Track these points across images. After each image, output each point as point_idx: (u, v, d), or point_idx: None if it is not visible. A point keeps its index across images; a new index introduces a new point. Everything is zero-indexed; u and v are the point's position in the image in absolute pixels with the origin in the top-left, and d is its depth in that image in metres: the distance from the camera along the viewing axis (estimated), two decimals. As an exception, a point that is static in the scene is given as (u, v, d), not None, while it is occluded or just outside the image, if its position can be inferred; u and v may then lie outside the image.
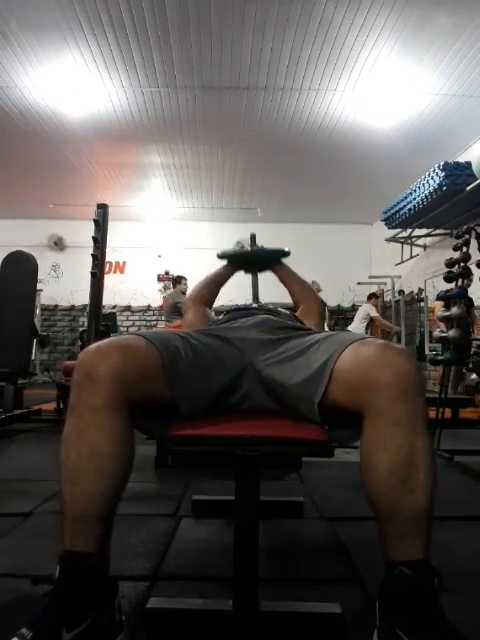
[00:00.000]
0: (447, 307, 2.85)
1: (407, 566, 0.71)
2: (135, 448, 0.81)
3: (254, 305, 1.40)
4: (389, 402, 0.74)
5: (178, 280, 6.25)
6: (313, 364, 0.88)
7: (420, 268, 6.48)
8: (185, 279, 6.16)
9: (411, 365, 0.76)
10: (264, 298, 1.73)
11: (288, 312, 1.35)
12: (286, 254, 1.65)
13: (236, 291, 2.20)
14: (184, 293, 5.99)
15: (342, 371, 0.82)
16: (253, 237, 1.71)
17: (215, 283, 1.65)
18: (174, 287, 6.35)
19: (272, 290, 1.92)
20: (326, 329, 1.49)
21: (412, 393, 0.75)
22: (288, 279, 1.64)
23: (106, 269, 3.90)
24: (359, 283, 7.71)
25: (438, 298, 3.12)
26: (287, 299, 1.69)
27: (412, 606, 0.69)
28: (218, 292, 1.65)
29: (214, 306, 1.68)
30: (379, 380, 0.75)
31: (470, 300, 3.59)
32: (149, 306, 8.46)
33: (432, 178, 4.64)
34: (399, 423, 0.74)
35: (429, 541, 0.74)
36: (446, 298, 2.88)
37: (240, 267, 1.70)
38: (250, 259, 1.69)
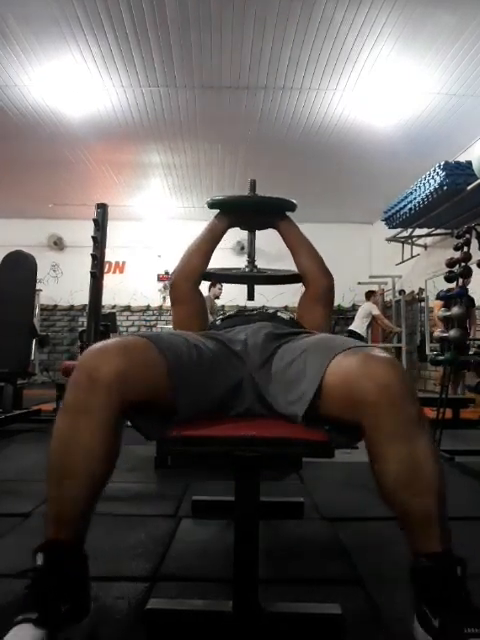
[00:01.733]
0: (447, 307, 2.85)
1: (427, 557, 0.75)
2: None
3: (254, 312, 1.33)
4: (378, 417, 0.75)
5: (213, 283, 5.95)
6: (300, 380, 0.88)
7: (421, 268, 6.47)
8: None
9: (393, 375, 0.76)
10: (264, 293, 1.57)
11: (288, 316, 1.31)
12: (293, 206, 1.36)
13: (237, 290, 2.15)
14: (217, 297, 5.73)
15: (330, 387, 0.82)
16: (253, 183, 1.39)
17: (206, 244, 1.33)
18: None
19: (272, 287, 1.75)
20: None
21: (400, 404, 0.75)
22: (295, 241, 1.36)
23: (105, 269, 3.90)
24: (359, 283, 7.71)
25: (438, 297, 3.11)
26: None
27: (436, 592, 0.74)
28: (211, 256, 1.34)
29: (214, 305, 1.54)
30: (364, 397, 0.75)
31: (471, 299, 3.59)
32: (148, 306, 8.46)
33: (433, 178, 4.63)
34: (393, 435, 0.75)
35: (445, 533, 0.77)
36: (447, 298, 2.87)
37: (236, 220, 1.37)
38: (249, 208, 1.38)
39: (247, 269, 1.41)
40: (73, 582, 0.78)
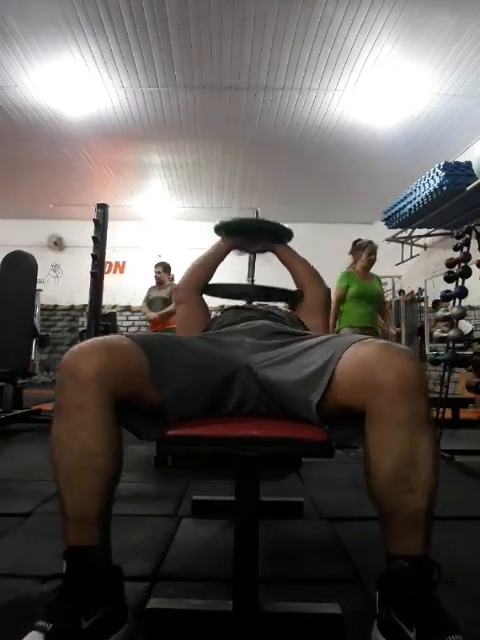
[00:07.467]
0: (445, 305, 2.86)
1: (406, 560, 0.74)
2: (123, 446, 0.83)
3: (251, 306, 1.38)
4: (390, 404, 0.74)
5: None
6: (311, 365, 0.87)
7: (420, 268, 6.48)
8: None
9: (412, 366, 0.76)
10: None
11: (288, 311, 1.34)
12: (291, 235, 1.53)
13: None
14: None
15: (343, 372, 0.81)
16: (256, 213, 1.63)
17: (211, 261, 1.49)
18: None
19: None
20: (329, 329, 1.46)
21: (414, 394, 0.75)
22: (292, 260, 1.51)
23: (106, 269, 3.89)
24: (359, 283, 7.69)
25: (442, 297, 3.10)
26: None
27: (409, 596, 0.72)
28: (214, 270, 1.50)
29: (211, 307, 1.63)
30: (380, 381, 0.75)
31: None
32: (149, 306, 8.46)
33: (432, 178, 4.63)
34: (400, 425, 0.74)
35: (429, 537, 0.76)
36: (447, 298, 2.88)
37: (239, 244, 1.52)
38: (252, 230, 1.53)
39: (253, 305, 1.53)
40: (96, 593, 0.75)
